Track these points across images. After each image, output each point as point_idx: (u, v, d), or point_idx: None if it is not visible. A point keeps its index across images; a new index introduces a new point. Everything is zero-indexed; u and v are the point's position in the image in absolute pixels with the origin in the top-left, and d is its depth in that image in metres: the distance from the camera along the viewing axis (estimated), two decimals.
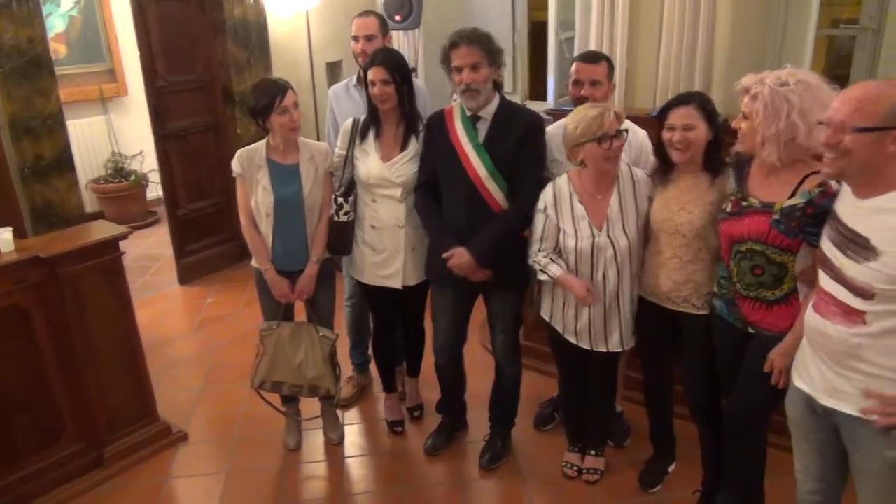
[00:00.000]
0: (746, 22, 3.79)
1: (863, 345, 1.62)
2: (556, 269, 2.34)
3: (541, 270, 2.38)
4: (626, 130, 2.22)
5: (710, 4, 3.73)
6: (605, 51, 4.19)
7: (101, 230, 2.81)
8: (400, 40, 5.13)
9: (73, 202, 3.93)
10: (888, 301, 1.56)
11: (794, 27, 3.86)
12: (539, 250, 2.39)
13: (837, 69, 5.44)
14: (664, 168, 2.26)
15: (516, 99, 5.30)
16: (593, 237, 2.28)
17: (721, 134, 2.16)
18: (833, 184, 1.84)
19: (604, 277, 2.30)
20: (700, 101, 2.13)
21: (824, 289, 1.71)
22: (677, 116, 2.12)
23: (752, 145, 1.93)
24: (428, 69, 4.80)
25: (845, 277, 1.63)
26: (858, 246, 1.59)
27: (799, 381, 1.84)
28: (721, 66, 3.82)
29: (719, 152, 2.16)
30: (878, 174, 1.57)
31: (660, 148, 2.22)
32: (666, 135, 2.16)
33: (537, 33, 5.25)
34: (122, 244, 2.80)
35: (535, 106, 4.96)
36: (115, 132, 5.97)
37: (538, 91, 5.45)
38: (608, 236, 2.27)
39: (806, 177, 1.90)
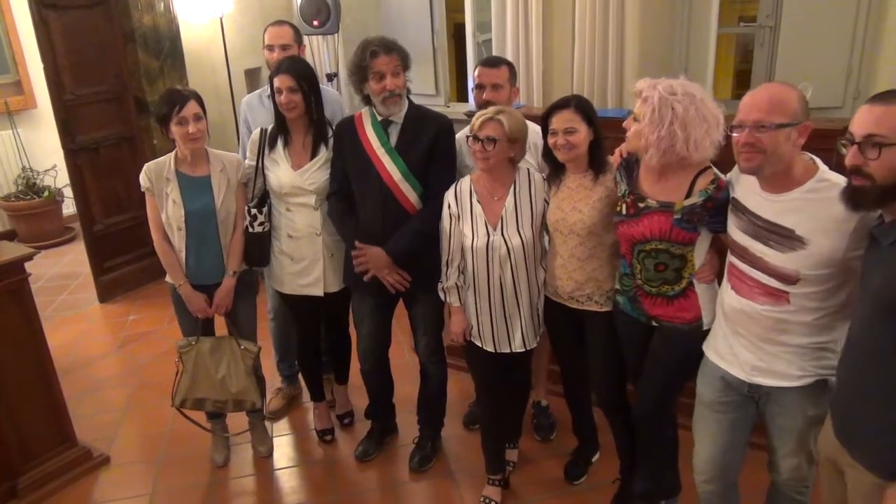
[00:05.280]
0: (653, 22, 3.92)
1: (788, 321, 1.77)
2: (454, 300, 2.45)
3: (442, 290, 2.47)
4: (495, 140, 2.22)
5: (619, 6, 3.85)
6: (521, 52, 4.28)
7: (4, 252, 2.69)
8: (319, 45, 5.10)
9: None
10: (810, 284, 1.71)
11: (698, 25, 4.03)
12: (450, 260, 2.42)
13: (744, 64, 5.70)
14: (555, 171, 2.32)
15: (440, 101, 5.33)
16: (488, 236, 2.33)
17: (601, 133, 2.23)
18: (722, 177, 1.96)
19: (500, 276, 2.35)
20: (577, 104, 2.19)
21: (747, 274, 1.82)
22: (558, 121, 2.18)
23: (637, 147, 2.00)
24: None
25: (769, 266, 1.75)
26: (783, 237, 1.72)
27: (719, 361, 1.93)
28: (632, 64, 3.94)
29: (601, 150, 2.24)
30: (787, 170, 1.70)
31: (548, 152, 2.28)
32: (550, 139, 2.22)
33: (461, 35, 5.28)
34: (39, 263, 2.70)
35: (458, 108, 5.02)
36: (24, 147, 5.71)
37: (464, 93, 5.48)
38: (502, 235, 2.32)
39: (697, 175, 1.98)
